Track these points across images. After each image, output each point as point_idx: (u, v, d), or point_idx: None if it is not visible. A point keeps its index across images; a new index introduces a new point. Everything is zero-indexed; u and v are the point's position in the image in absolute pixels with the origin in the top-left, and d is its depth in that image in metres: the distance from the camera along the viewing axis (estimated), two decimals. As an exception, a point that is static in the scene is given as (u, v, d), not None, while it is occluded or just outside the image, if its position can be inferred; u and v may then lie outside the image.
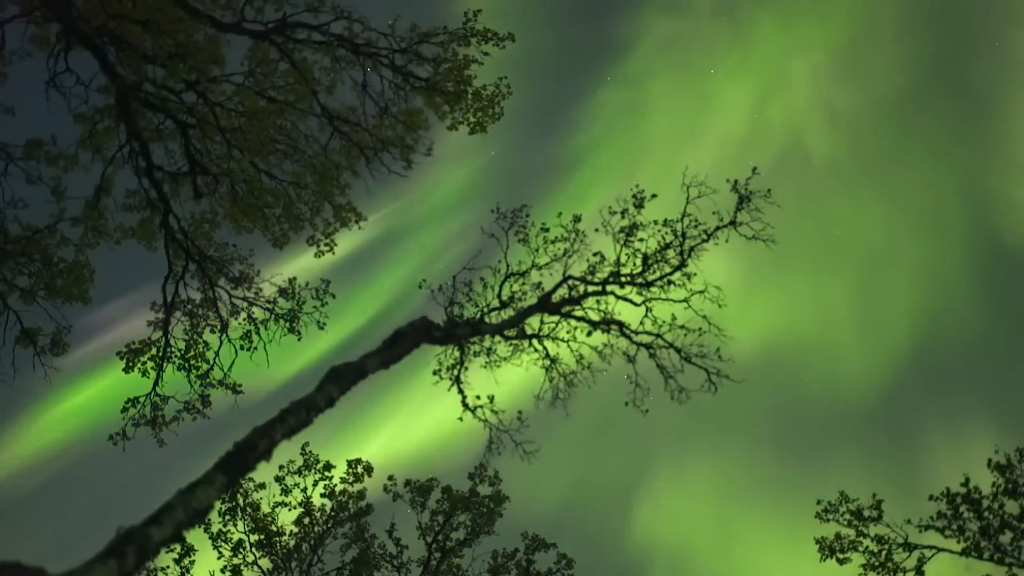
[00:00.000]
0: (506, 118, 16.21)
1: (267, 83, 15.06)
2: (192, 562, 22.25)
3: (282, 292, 16.39)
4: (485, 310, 12.71)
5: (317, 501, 22.94)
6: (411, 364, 9.81)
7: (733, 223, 13.34)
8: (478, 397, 12.92)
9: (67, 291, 15.35)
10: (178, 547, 21.84)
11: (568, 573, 24.12)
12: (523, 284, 13.13)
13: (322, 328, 16.60)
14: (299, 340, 16.55)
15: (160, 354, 16.20)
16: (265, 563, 22.57)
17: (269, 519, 22.71)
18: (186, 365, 16.33)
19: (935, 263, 33.25)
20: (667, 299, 13.27)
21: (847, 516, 20.71)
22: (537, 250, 13.31)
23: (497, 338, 12.87)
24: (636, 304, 13.29)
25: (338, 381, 7.82)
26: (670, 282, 13.31)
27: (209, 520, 21.30)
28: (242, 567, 22.47)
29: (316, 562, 22.79)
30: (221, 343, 16.38)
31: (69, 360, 16.34)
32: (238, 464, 6.23)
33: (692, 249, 13.29)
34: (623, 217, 13.46)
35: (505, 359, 13.22)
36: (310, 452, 22.93)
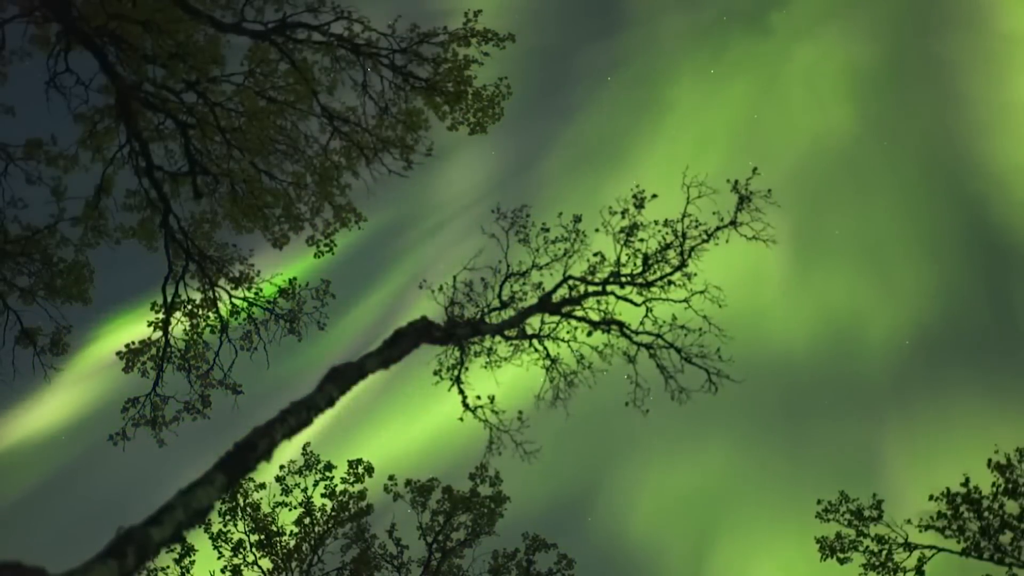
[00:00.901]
0: (506, 118, 16.24)
1: (267, 83, 15.07)
2: (192, 562, 22.25)
3: (282, 292, 16.39)
4: (485, 310, 12.72)
5: (318, 501, 22.95)
6: (411, 364, 9.82)
7: (733, 223, 13.35)
8: (478, 397, 12.93)
9: (67, 291, 15.35)
10: (178, 547, 21.84)
11: (568, 573, 24.14)
12: (523, 284, 13.14)
13: (322, 328, 16.61)
14: (299, 340, 16.57)
15: (160, 354, 16.20)
16: (265, 563, 22.56)
17: (269, 519, 22.71)
18: (186, 365, 16.34)
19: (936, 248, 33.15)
20: (667, 299, 13.28)
21: (847, 516, 20.73)
22: (537, 250, 13.33)
23: (497, 338, 12.87)
24: (636, 304, 13.30)
25: (338, 381, 7.82)
26: (670, 282, 13.32)
27: (209, 520, 21.26)
28: (242, 567, 22.47)
29: (316, 562, 22.79)
30: (221, 343, 16.40)
31: (69, 360, 16.36)
32: (238, 464, 6.23)
33: (692, 249, 13.30)
34: (623, 217, 13.47)
35: (505, 359, 13.23)
36: (311, 452, 22.95)
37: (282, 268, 16.59)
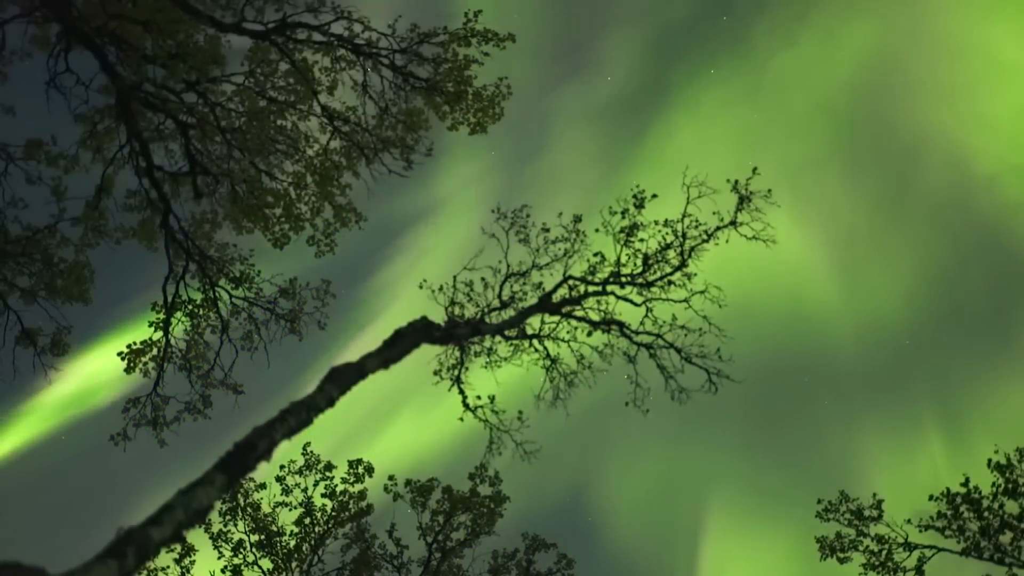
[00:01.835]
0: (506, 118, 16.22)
1: (267, 83, 15.07)
2: (192, 562, 22.26)
3: (282, 292, 16.39)
4: (485, 310, 12.72)
5: (318, 501, 22.96)
6: (412, 364, 9.82)
7: (733, 223, 13.36)
8: (479, 397, 12.94)
9: (67, 291, 15.35)
10: (178, 547, 21.85)
11: (568, 573, 24.16)
12: (523, 284, 13.14)
13: (322, 328, 16.61)
14: (300, 340, 16.57)
15: (161, 354, 16.20)
16: (265, 563, 22.57)
17: (270, 519, 22.72)
18: (187, 365, 16.34)
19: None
20: (667, 299, 13.28)
21: (847, 516, 20.73)
22: (537, 250, 13.33)
23: (497, 338, 12.87)
24: (636, 304, 13.31)
25: (338, 381, 7.82)
26: (670, 282, 13.32)
27: (209, 520, 21.27)
28: (242, 567, 22.48)
29: (316, 562, 22.79)
30: (221, 343, 16.40)
31: (69, 360, 16.36)
32: (238, 464, 6.23)
33: (692, 249, 13.30)
34: (623, 217, 13.47)
35: (505, 359, 13.24)
36: (311, 452, 22.95)
37: (282, 268, 16.61)
